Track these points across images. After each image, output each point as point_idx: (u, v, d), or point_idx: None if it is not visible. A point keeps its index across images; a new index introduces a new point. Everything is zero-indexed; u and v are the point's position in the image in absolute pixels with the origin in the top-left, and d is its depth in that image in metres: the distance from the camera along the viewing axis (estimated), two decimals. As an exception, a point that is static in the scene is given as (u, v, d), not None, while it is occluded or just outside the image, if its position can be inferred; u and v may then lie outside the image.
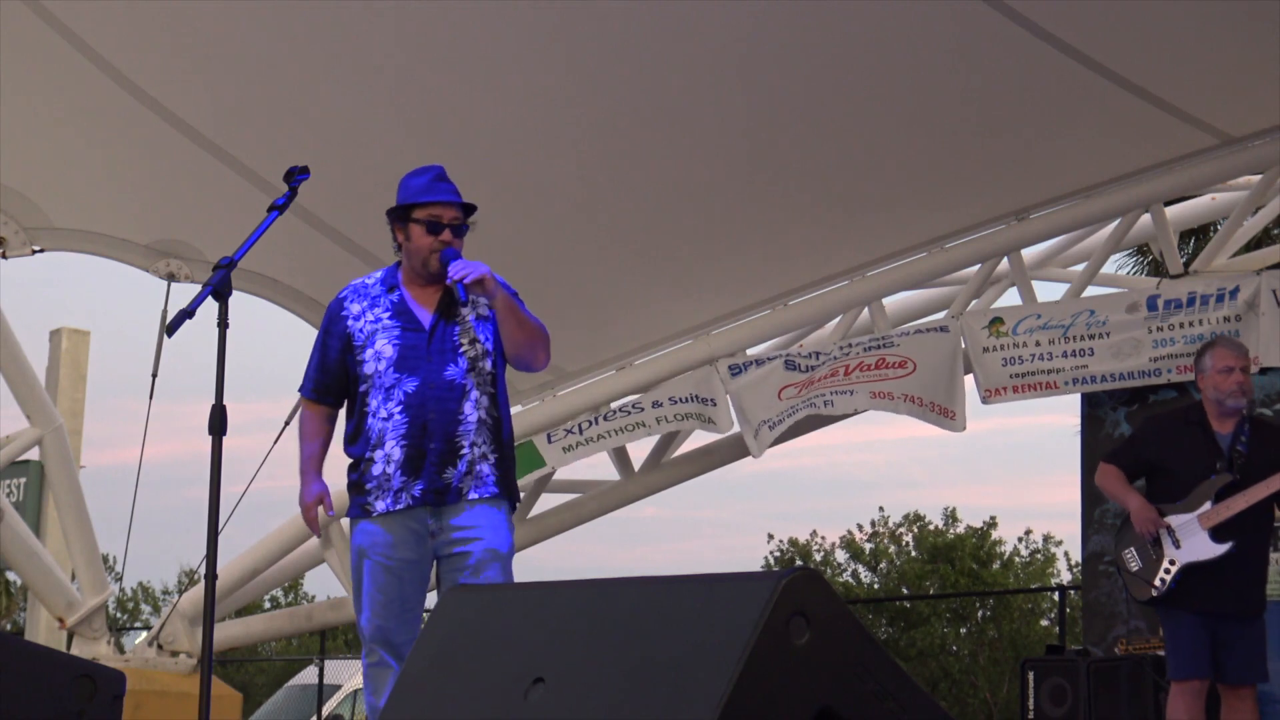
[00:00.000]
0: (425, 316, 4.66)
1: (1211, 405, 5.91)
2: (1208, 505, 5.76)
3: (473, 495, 4.57)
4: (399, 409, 4.56)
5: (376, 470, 4.57)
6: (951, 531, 28.58)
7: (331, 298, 10.19)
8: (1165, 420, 6.26)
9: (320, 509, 4.70)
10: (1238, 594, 5.76)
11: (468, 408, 4.58)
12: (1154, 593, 5.84)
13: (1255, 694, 5.83)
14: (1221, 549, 5.71)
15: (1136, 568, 5.91)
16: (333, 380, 4.70)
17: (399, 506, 4.55)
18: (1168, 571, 5.80)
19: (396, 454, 4.55)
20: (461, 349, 4.62)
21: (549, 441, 9.77)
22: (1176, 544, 5.80)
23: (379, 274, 4.80)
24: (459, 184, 8.91)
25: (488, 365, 4.64)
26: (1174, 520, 5.82)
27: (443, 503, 4.55)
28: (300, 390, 4.77)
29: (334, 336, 4.70)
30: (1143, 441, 6.13)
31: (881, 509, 30.50)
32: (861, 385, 8.89)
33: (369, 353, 4.62)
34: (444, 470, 4.54)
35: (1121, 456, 6.08)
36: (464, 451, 4.56)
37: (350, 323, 4.69)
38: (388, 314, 4.67)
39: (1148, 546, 5.87)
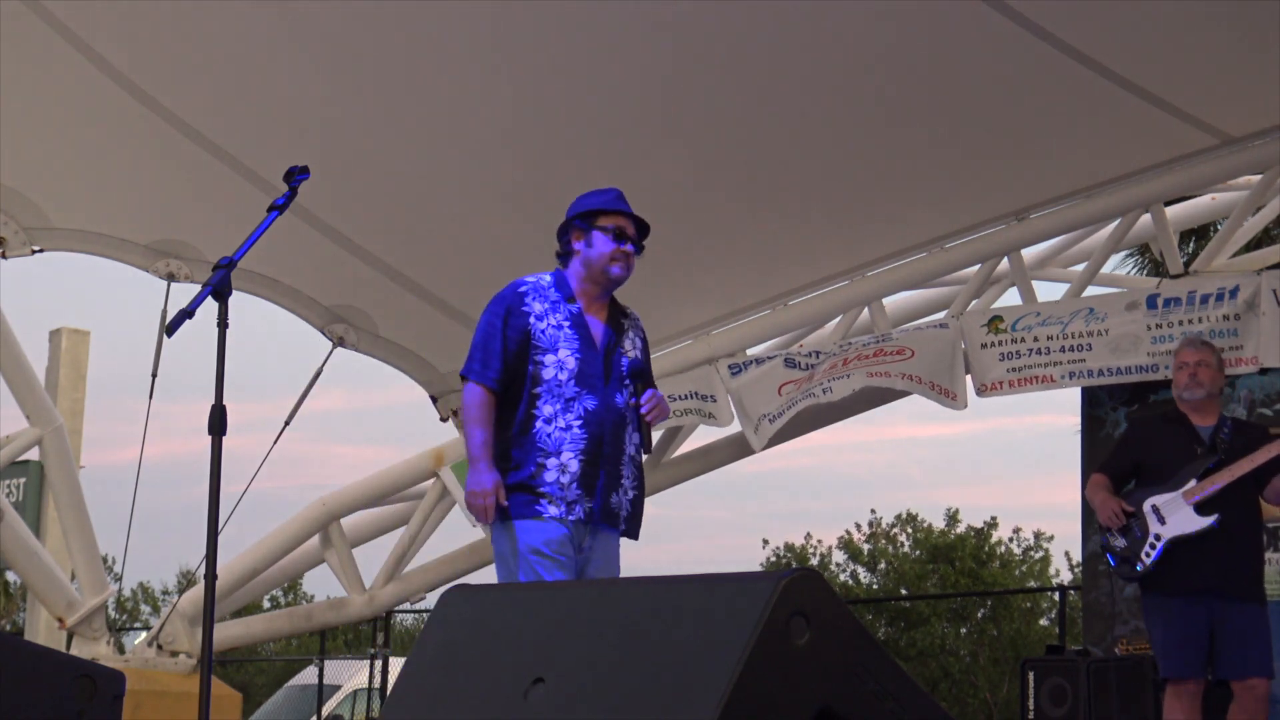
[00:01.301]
0: (598, 336, 4.68)
1: (1182, 404, 6.05)
2: (1192, 483, 5.85)
3: (622, 526, 4.66)
4: (579, 423, 4.56)
5: (550, 477, 4.54)
6: (954, 532, 28.58)
7: (331, 298, 10.19)
8: (1147, 422, 6.46)
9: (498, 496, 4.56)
10: (1226, 571, 5.77)
11: (627, 439, 4.65)
12: (1139, 567, 5.90)
13: (1266, 690, 5.77)
14: (1206, 521, 5.79)
15: (1122, 546, 5.97)
16: (512, 373, 4.62)
17: (572, 518, 4.54)
18: (1153, 546, 5.87)
19: (573, 467, 4.54)
20: (626, 381, 4.66)
21: None
22: (1162, 520, 5.88)
23: (548, 277, 4.76)
24: (458, 181, 8.92)
25: (634, 400, 4.69)
26: (1159, 499, 5.90)
27: (602, 525, 4.59)
28: (474, 377, 4.63)
29: (514, 329, 4.63)
30: (1128, 445, 6.25)
31: (873, 510, 30.44)
32: (859, 370, 8.89)
33: (551, 358, 4.59)
34: (612, 494, 4.60)
35: (1109, 464, 6.20)
36: (623, 481, 4.63)
37: (533, 320, 4.64)
38: (568, 323, 4.65)
39: (1133, 526, 5.93)
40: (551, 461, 4.53)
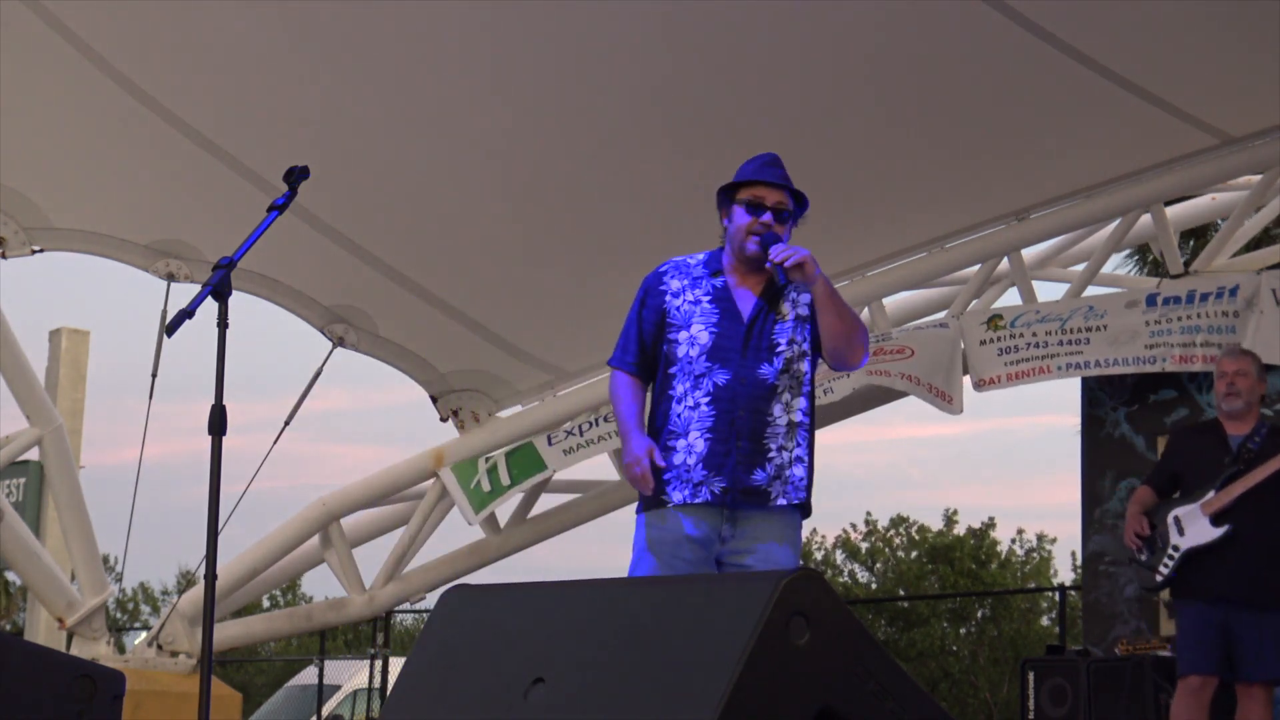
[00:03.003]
0: (746, 308, 4.42)
1: (1220, 413, 6.10)
2: (1211, 493, 5.92)
3: (781, 501, 4.33)
4: (707, 400, 4.33)
5: (676, 459, 4.32)
6: (952, 533, 28.56)
7: (331, 298, 10.20)
8: (1185, 432, 6.60)
9: (652, 459, 4.31)
10: (1241, 579, 5.81)
11: (777, 409, 4.34)
12: (1158, 579, 6.03)
13: (1270, 695, 5.82)
14: (1219, 532, 5.86)
15: (1146, 557, 6.09)
16: (649, 357, 4.47)
17: (697, 500, 4.29)
18: (1171, 558, 5.98)
19: (700, 446, 4.31)
20: (779, 348, 4.38)
21: (549, 444, 9.76)
22: (1181, 532, 5.97)
23: (702, 255, 4.55)
24: (458, 182, 8.87)
25: (804, 366, 4.41)
26: (1181, 511, 5.99)
27: (742, 505, 4.31)
28: (614, 362, 4.51)
29: (650, 310, 4.48)
30: (1167, 456, 6.36)
31: (869, 513, 30.41)
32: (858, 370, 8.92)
33: (683, 335, 4.39)
34: (751, 471, 4.31)
35: (1151, 477, 6.31)
36: (771, 454, 4.33)
37: (669, 299, 4.45)
38: (708, 298, 4.43)
39: (1156, 539, 6.04)
40: (680, 443, 4.33)
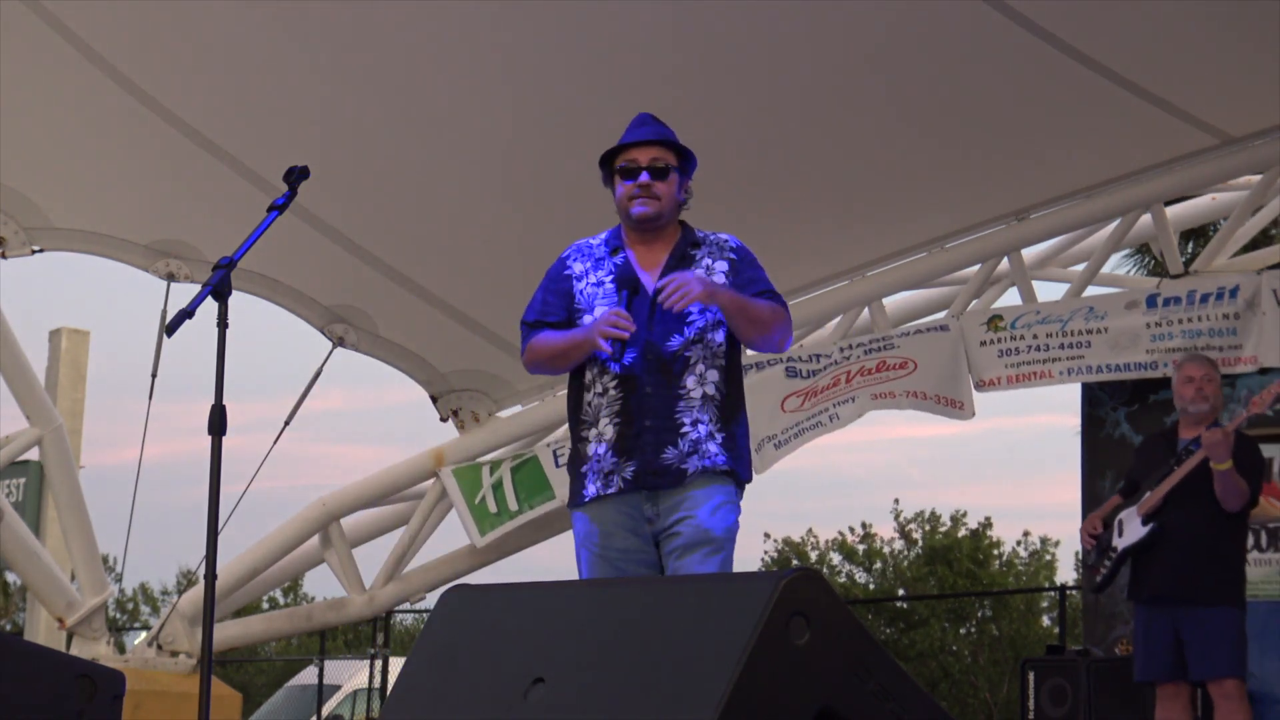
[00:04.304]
0: (649, 281, 4.23)
1: (1181, 417, 6.18)
2: (1147, 494, 6.03)
3: (693, 470, 4.10)
4: (614, 384, 4.14)
5: (590, 451, 4.17)
6: (958, 534, 28.51)
7: (331, 298, 10.20)
8: (1146, 441, 6.61)
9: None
10: (1176, 577, 5.88)
11: (690, 381, 4.14)
12: (1098, 579, 6.19)
13: (1239, 690, 5.84)
14: (1145, 531, 5.98)
15: (1092, 560, 6.25)
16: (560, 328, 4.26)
17: (610, 491, 4.12)
18: (1109, 559, 6.12)
19: (609, 433, 4.13)
20: (690, 317, 4.18)
21: (556, 464, 9.73)
22: (1120, 533, 6.12)
23: (604, 234, 4.39)
24: (458, 182, 8.83)
25: (718, 336, 4.20)
26: (1124, 513, 6.13)
27: (659, 486, 4.11)
28: (523, 332, 4.31)
29: (555, 294, 4.30)
30: (1132, 466, 6.42)
31: (865, 524, 30.25)
32: (863, 390, 8.92)
33: (587, 319, 4.18)
34: (661, 450, 4.11)
35: (1123, 486, 6.35)
36: (685, 429, 4.12)
37: (574, 282, 4.29)
38: (610, 277, 4.26)
39: (1102, 541, 6.19)
40: (592, 433, 4.18)
